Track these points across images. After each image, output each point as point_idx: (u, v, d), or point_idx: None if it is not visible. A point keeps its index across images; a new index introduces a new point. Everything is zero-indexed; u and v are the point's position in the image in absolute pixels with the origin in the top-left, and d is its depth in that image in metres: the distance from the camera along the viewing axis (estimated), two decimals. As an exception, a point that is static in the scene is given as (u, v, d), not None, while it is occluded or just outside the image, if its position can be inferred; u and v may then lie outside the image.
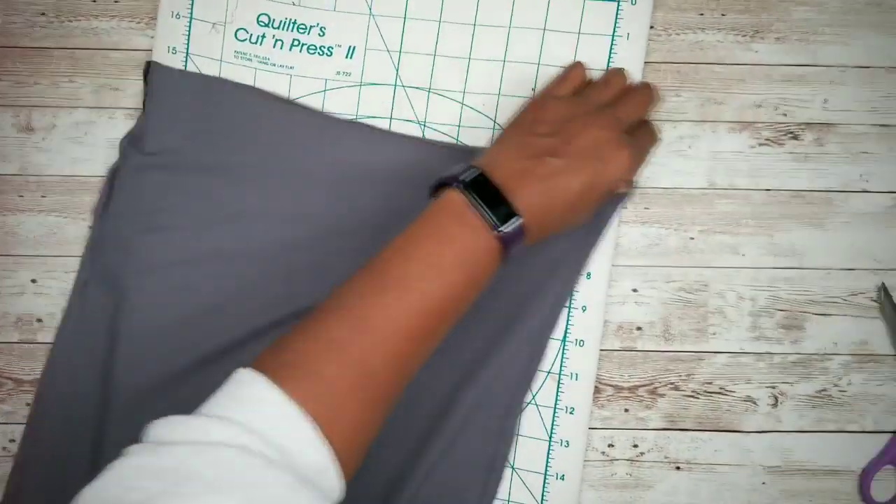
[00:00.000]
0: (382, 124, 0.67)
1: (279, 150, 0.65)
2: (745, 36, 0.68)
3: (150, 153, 0.65)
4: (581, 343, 0.66)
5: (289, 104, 0.66)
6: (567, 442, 0.65)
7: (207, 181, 0.65)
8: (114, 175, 0.65)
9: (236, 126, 0.65)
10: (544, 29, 0.66)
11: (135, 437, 0.46)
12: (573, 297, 0.66)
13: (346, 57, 0.66)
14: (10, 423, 0.68)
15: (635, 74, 0.66)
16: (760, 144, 0.68)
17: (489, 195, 0.55)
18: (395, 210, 0.59)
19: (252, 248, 0.65)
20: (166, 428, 0.45)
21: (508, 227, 0.55)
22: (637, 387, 0.68)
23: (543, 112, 0.60)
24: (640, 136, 0.63)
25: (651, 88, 0.64)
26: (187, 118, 0.65)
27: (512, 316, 0.64)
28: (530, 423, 0.66)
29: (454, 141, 0.67)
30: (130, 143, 0.65)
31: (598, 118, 0.59)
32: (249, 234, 0.65)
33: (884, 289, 0.68)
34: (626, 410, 0.68)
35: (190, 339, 0.64)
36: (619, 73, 0.64)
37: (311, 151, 0.65)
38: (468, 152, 0.65)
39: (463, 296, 0.55)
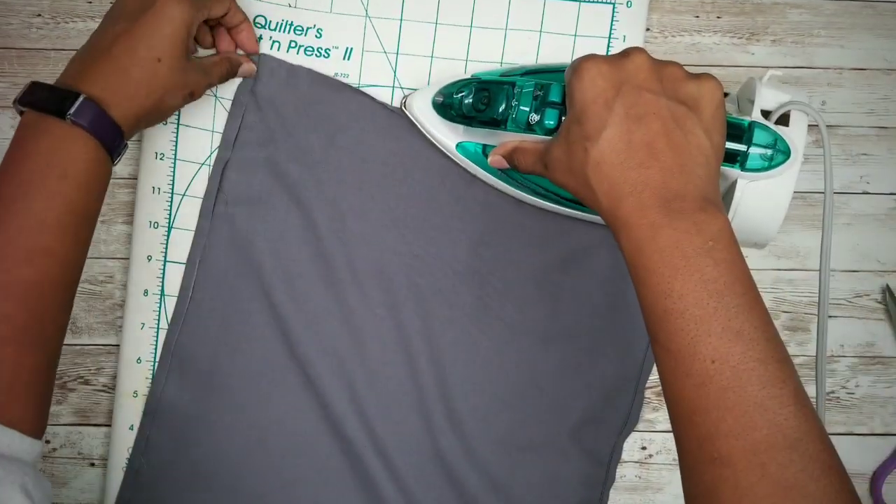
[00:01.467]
0: (380, 126, 0.67)
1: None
2: (741, 38, 0.68)
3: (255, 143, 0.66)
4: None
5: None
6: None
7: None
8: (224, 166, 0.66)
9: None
10: (540, 31, 0.66)
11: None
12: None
13: (344, 58, 0.66)
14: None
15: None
16: (760, 146, 0.68)
17: (50, 94, 0.53)
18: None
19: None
20: None
21: (77, 113, 0.51)
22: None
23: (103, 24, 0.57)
24: None
25: None
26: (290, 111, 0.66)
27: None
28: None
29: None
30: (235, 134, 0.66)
31: None
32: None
33: (888, 290, 0.67)
34: (631, 414, 0.67)
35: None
36: None
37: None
38: None
39: (74, 203, 0.52)
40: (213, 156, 0.66)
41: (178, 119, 0.66)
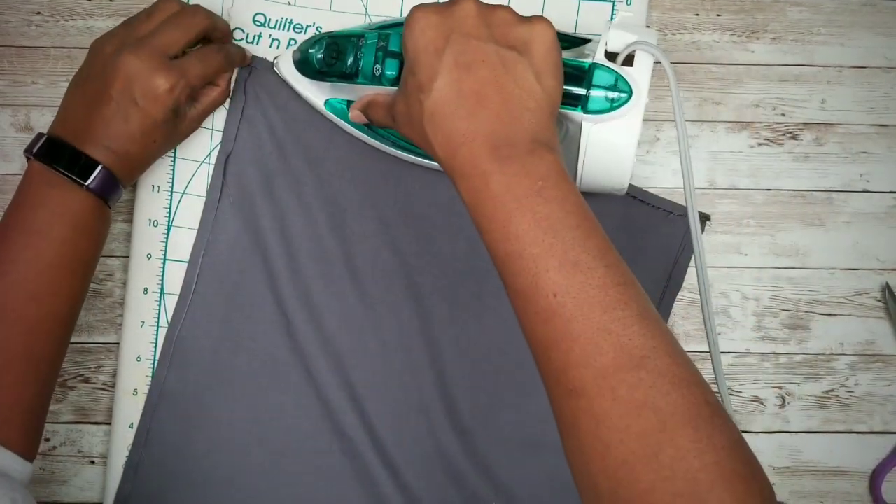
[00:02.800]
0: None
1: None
2: (740, 36, 0.68)
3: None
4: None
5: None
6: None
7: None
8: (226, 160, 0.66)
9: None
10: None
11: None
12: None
13: (344, 56, 0.66)
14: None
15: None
16: (760, 144, 0.68)
17: (66, 155, 0.56)
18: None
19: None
20: None
21: (93, 181, 0.56)
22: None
23: (91, 59, 0.59)
24: (192, 58, 0.60)
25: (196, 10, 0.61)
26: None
27: None
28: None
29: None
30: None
31: (136, 50, 0.57)
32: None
33: (888, 289, 0.67)
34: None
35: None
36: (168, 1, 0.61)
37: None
38: None
39: (79, 250, 0.58)
40: (213, 153, 0.66)
41: (178, 117, 0.65)
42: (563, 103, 0.52)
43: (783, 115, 0.68)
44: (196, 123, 0.64)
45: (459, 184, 0.47)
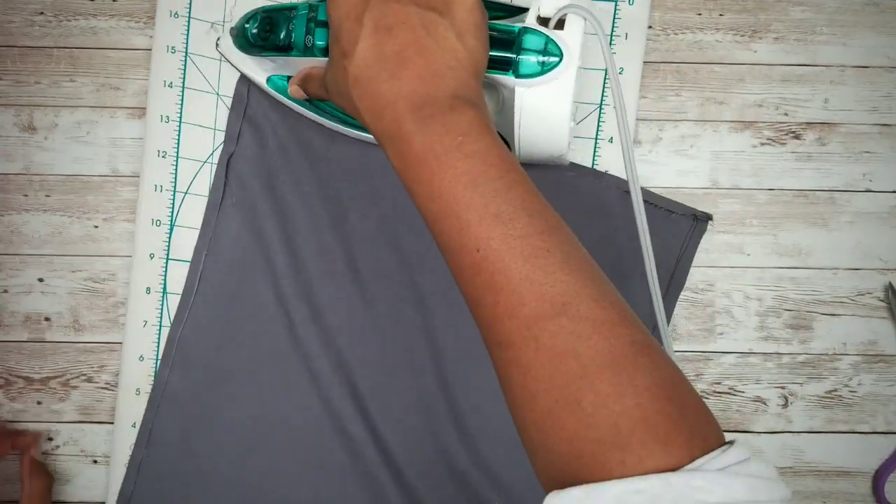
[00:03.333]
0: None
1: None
2: (743, 36, 0.68)
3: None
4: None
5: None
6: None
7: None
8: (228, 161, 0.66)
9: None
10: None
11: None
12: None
13: (346, 56, 0.66)
14: (22, 422, 0.68)
15: (634, 74, 0.66)
16: (762, 144, 0.68)
17: None
18: None
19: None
20: None
21: None
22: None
23: None
24: None
25: None
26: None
27: None
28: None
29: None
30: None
31: None
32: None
33: (891, 289, 0.67)
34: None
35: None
36: None
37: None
38: None
39: None
40: (216, 153, 0.66)
41: (181, 117, 0.66)
42: (494, 68, 0.52)
43: (786, 114, 0.68)
44: None
45: (387, 148, 0.47)
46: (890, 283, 0.67)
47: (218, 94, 0.66)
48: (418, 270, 0.66)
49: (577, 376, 0.39)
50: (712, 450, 0.37)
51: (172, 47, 0.65)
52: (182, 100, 0.66)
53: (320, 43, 0.55)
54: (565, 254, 0.42)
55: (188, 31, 0.65)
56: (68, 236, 0.67)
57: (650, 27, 0.67)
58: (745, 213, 0.68)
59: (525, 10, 0.58)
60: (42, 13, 0.66)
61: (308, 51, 0.56)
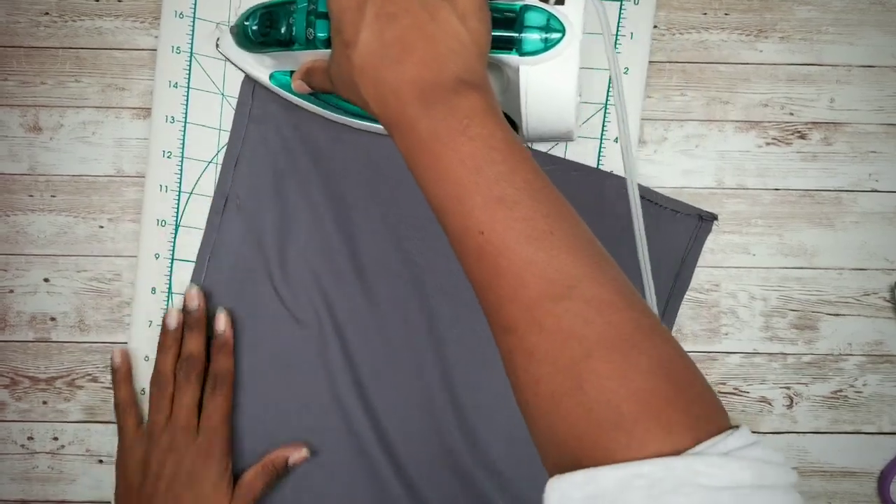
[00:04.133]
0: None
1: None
2: (748, 35, 0.68)
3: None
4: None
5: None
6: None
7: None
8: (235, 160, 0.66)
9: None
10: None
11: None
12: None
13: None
14: (28, 422, 0.68)
15: (640, 74, 0.66)
16: (768, 144, 0.68)
17: None
18: None
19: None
20: None
21: None
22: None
23: None
24: None
25: None
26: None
27: None
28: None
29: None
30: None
31: None
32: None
33: (897, 289, 0.67)
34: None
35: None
36: None
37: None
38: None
39: None
40: (220, 154, 0.66)
41: (186, 117, 0.66)
42: (498, 48, 0.52)
43: (791, 114, 0.68)
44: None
45: (394, 135, 0.47)
46: (895, 284, 0.67)
47: (223, 94, 0.66)
48: (423, 269, 0.66)
49: (579, 359, 0.39)
50: (717, 434, 0.37)
51: (177, 48, 0.65)
52: (187, 100, 0.66)
53: (322, 35, 0.55)
54: (569, 236, 0.42)
55: (193, 31, 0.65)
56: (74, 236, 0.67)
57: (655, 27, 0.67)
58: (750, 213, 0.67)
59: None
60: (47, 13, 0.66)
61: (310, 43, 0.56)
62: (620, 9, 0.66)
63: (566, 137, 0.58)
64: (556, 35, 0.53)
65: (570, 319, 0.39)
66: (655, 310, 0.55)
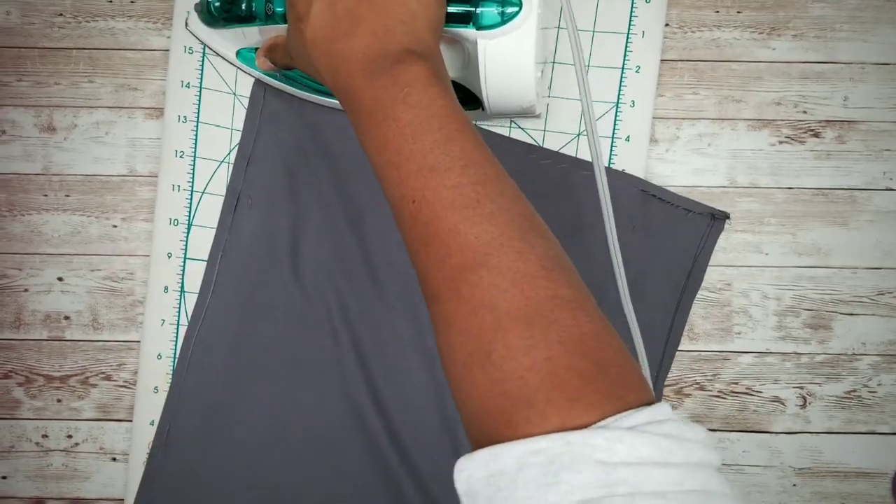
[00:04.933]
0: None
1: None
2: (761, 33, 0.67)
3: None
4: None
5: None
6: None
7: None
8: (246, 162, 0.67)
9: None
10: (559, 27, 0.66)
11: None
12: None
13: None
14: (42, 419, 0.69)
15: (651, 72, 0.66)
16: (781, 142, 0.67)
17: None
18: None
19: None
20: None
21: None
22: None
23: None
24: None
25: None
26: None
27: None
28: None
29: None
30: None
31: None
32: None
33: (912, 288, 0.67)
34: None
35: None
36: None
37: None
38: None
39: None
40: (233, 153, 0.66)
41: (198, 117, 0.66)
42: (455, 22, 0.52)
43: (805, 112, 0.67)
44: None
45: (345, 106, 0.47)
46: (911, 283, 0.67)
47: (235, 94, 0.66)
48: None
49: (490, 329, 0.38)
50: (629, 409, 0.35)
51: (190, 48, 0.66)
52: (199, 100, 0.66)
53: (280, 10, 0.56)
54: (497, 205, 0.41)
55: (205, 31, 0.65)
56: (87, 236, 0.68)
57: (667, 25, 0.67)
58: (763, 211, 0.67)
59: None
60: (61, 15, 0.67)
61: (270, 18, 0.56)
62: (632, 7, 0.66)
63: (528, 112, 0.58)
64: (513, 9, 0.53)
65: (484, 288, 0.38)
66: (628, 300, 0.53)
